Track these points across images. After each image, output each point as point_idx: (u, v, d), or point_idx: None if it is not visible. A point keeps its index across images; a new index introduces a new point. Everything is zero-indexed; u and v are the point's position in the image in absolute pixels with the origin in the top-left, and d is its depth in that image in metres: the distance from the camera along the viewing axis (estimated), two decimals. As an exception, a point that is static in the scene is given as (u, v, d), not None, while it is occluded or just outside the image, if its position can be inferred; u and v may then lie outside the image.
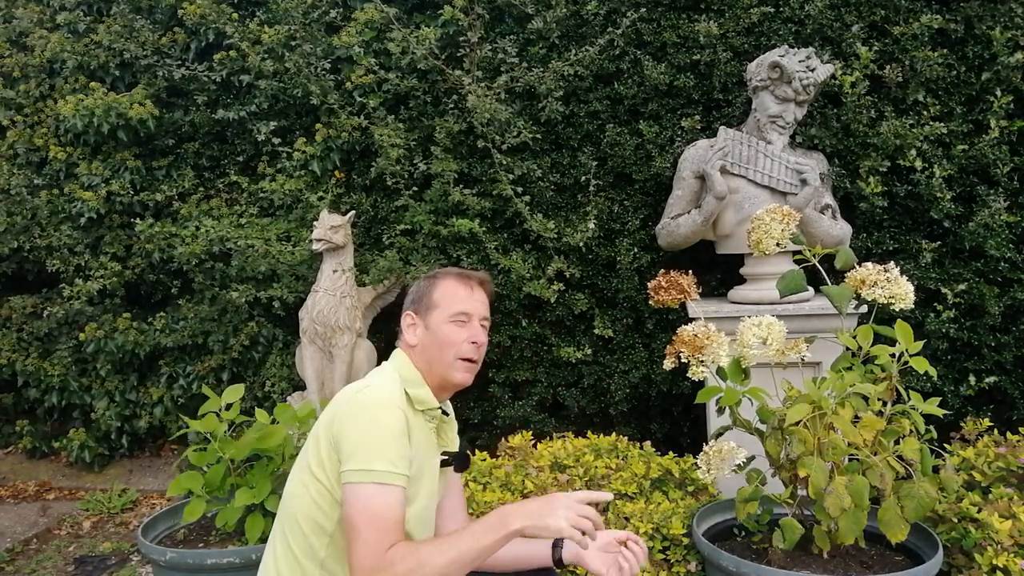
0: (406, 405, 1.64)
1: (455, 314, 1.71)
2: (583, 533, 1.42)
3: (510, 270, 3.43)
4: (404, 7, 3.78)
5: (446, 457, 1.77)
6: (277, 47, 3.76)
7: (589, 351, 3.52)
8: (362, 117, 3.66)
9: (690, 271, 2.21)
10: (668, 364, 2.08)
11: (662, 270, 2.21)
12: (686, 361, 2.04)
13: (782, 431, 1.95)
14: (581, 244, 3.44)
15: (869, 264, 2.08)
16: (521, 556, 1.80)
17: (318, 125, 3.77)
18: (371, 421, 1.55)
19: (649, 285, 2.20)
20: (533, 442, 2.82)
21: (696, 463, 2.09)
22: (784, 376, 2.16)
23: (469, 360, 1.71)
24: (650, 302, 2.21)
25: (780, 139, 3.03)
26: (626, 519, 2.31)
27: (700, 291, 2.34)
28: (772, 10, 3.27)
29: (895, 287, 2.01)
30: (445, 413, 1.82)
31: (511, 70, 3.47)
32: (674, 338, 2.08)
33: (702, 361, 2.01)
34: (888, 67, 3.15)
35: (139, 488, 4.24)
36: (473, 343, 1.71)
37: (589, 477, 2.50)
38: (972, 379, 3.12)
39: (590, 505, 1.46)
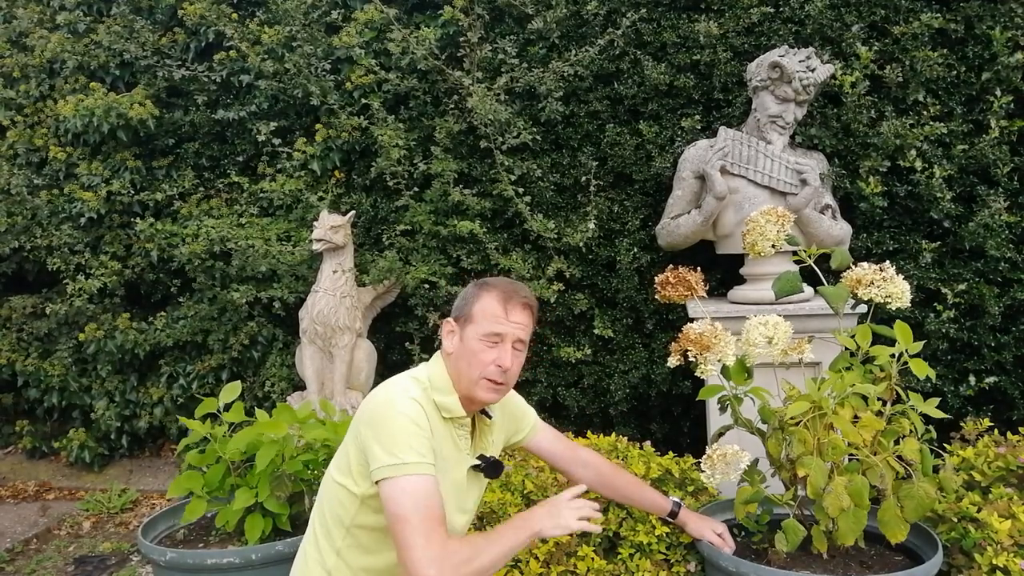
0: (431, 409, 1.67)
1: (487, 334, 1.68)
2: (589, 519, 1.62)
3: (510, 270, 3.43)
4: (404, 7, 3.78)
5: (478, 463, 1.76)
6: (277, 47, 3.76)
7: (589, 351, 3.52)
8: (362, 117, 3.66)
9: (698, 268, 2.20)
10: (672, 361, 2.07)
11: (670, 266, 2.20)
12: (693, 359, 2.04)
13: (783, 431, 1.95)
14: (581, 244, 3.44)
15: (865, 264, 2.07)
16: (640, 500, 2.14)
17: (318, 125, 3.77)
18: (392, 416, 1.60)
19: (656, 280, 2.19)
20: (533, 442, 2.81)
21: (697, 463, 2.09)
22: (785, 376, 2.16)
23: (493, 381, 1.69)
24: (656, 297, 2.19)
25: (780, 139, 3.02)
26: (624, 517, 2.31)
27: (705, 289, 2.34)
28: (772, 10, 3.27)
29: (891, 286, 2.01)
30: (488, 416, 1.83)
31: (511, 70, 3.47)
32: (679, 336, 2.07)
33: (708, 359, 2.01)
34: (888, 67, 3.15)
35: (139, 488, 4.24)
36: (498, 366, 1.67)
37: (589, 477, 2.49)
38: (972, 379, 3.12)
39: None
